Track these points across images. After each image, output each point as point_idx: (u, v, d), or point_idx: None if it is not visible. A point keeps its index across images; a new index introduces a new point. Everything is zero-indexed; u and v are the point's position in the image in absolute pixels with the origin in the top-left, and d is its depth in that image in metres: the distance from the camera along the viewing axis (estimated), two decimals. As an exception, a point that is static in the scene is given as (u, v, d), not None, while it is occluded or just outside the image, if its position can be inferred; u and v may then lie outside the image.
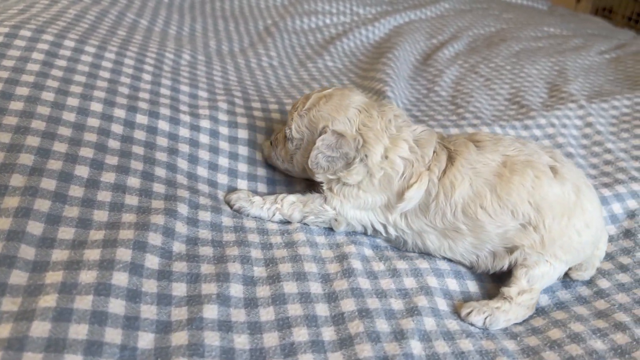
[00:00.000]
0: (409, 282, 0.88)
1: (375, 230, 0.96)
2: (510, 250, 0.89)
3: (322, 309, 0.79)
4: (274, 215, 0.95)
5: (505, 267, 0.91)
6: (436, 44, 2.08)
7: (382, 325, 0.78)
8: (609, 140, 1.36)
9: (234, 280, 0.79)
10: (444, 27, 2.28)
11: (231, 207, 0.95)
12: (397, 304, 0.83)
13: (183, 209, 0.87)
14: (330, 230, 0.97)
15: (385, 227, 0.94)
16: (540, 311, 0.91)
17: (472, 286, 0.92)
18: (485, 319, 0.84)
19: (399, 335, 0.77)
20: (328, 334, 0.76)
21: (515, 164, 0.87)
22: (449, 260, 0.95)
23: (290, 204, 0.95)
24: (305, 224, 0.95)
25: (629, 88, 1.69)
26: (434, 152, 0.90)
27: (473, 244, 0.90)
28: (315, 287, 0.82)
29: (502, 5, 2.85)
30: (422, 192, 0.88)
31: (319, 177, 0.94)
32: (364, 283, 0.85)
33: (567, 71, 1.83)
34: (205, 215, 0.90)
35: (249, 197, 0.95)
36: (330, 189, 0.94)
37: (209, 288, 0.77)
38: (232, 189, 1.01)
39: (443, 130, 1.30)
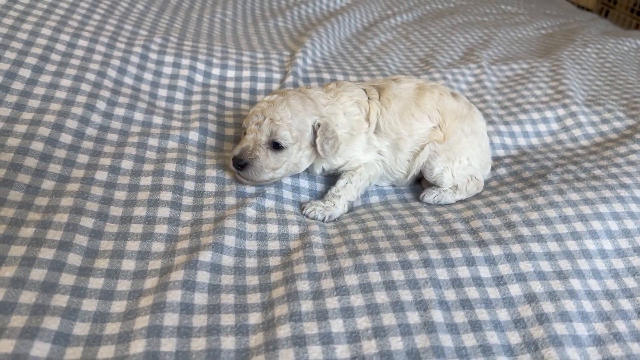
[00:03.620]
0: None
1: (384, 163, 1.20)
2: (422, 146, 1.18)
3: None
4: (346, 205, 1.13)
5: (421, 163, 1.18)
6: (389, 14, 2.32)
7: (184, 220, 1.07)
8: (489, 94, 1.60)
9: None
10: (404, 0, 2.51)
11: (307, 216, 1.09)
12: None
13: (101, 105, 1.18)
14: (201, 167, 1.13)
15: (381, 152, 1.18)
16: (367, 205, 1.18)
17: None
18: (434, 197, 1.16)
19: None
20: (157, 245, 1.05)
21: (425, 87, 1.21)
22: None
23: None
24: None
25: (538, 56, 1.90)
26: (364, 90, 1.19)
27: (411, 146, 1.18)
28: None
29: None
30: (377, 112, 1.17)
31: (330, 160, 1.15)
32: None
33: (493, 41, 2.05)
34: (120, 111, 1.20)
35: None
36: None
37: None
38: (152, 95, 1.30)
39: (344, 77, 1.57)
